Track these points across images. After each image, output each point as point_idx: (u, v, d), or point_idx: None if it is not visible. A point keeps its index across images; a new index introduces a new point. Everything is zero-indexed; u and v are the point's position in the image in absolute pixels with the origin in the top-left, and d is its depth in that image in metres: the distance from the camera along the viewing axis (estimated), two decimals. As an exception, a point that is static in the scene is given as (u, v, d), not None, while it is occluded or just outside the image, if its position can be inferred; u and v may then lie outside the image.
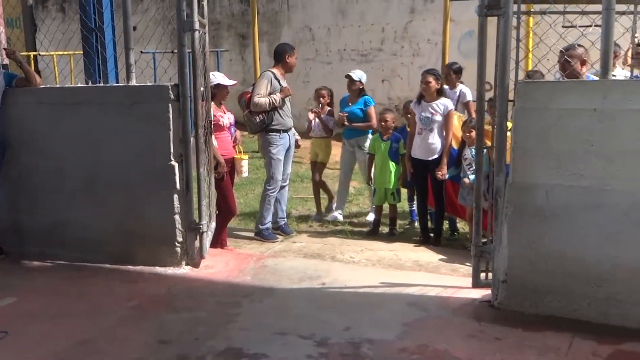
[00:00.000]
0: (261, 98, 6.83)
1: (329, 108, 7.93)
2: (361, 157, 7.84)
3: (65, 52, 12.75)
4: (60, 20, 16.92)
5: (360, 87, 7.80)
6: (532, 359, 3.72)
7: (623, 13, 4.42)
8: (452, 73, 8.04)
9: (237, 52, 16.61)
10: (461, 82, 8.06)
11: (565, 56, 4.66)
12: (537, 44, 4.40)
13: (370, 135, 7.78)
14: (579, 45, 4.83)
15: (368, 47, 15.01)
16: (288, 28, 15.84)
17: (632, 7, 4.56)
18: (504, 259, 4.34)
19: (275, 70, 7.05)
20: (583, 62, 4.99)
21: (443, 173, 6.77)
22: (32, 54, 15.35)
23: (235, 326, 4.29)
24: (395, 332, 4.13)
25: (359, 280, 5.17)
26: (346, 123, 7.67)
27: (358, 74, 7.77)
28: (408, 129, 7.46)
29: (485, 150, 4.79)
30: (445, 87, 7.65)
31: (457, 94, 7.94)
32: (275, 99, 6.86)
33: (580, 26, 4.43)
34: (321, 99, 7.88)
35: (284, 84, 7.02)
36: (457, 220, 7.41)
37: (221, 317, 4.45)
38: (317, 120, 7.90)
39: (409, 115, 7.30)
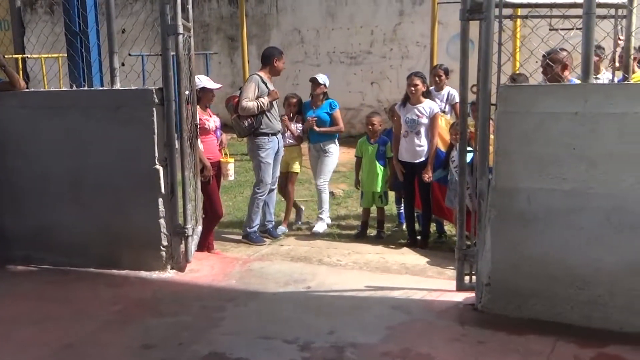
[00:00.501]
0: (249, 102, 6.83)
1: (297, 115, 7.71)
2: (324, 160, 7.63)
3: (53, 55, 12.71)
4: (49, 22, 16.87)
5: (324, 90, 7.65)
6: (514, 363, 3.74)
7: (604, 17, 4.45)
8: (444, 74, 8.05)
9: (226, 55, 16.62)
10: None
11: (547, 60, 4.68)
12: (519, 48, 4.41)
13: (336, 139, 7.73)
14: (562, 49, 4.85)
15: (357, 50, 15.07)
16: (277, 31, 15.86)
17: (612, 11, 4.58)
18: (487, 263, 4.36)
19: (262, 74, 7.04)
20: (565, 66, 5.02)
21: (429, 176, 6.78)
22: (20, 56, 15.29)
23: (219, 331, 4.28)
24: (379, 335, 4.13)
25: (344, 283, 5.18)
26: (315, 128, 7.50)
27: (322, 78, 7.64)
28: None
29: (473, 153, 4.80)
30: (431, 88, 7.68)
31: (446, 95, 7.95)
32: (263, 103, 6.85)
33: (562, 29, 4.45)
34: (292, 107, 7.65)
35: (272, 87, 7.02)
36: (445, 223, 7.42)
37: (205, 321, 4.44)
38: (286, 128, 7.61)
39: (395, 119, 7.32)
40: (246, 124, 6.91)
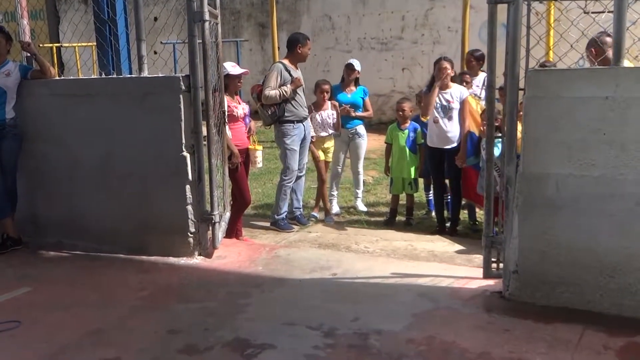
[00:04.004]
0: (271, 91, 6.81)
1: (330, 102, 7.58)
2: (360, 144, 7.85)
3: (88, 44, 12.86)
4: (83, 11, 17.05)
5: (357, 75, 7.86)
6: (541, 351, 3.67)
7: (637, -1, 4.33)
8: (474, 60, 7.91)
9: (257, 42, 16.62)
10: (482, 71, 7.93)
11: (599, 42, 4.55)
12: (547, 32, 4.32)
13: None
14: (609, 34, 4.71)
15: (388, 35, 14.95)
16: (307, 17, 15.81)
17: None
18: (514, 250, 4.29)
19: (285, 61, 7.02)
20: None
21: (463, 161, 6.68)
22: (55, 45, 15.51)
23: (244, 317, 4.31)
24: (403, 323, 4.10)
25: (370, 270, 5.16)
26: (353, 114, 7.61)
27: (357, 64, 7.83)
28: (422, 119, 7.39)
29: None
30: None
31: (482, 80, 7.81)
32: (285, 91, 6.82)
33: (593, 12, 4.34)
34: (325, 94, 7.49)
35: (296, 74, 6.96)
36: (478, 209, 7.32)
37: (231, 307, 4.46)
38: (322, 116, 7.48)
39: (422, 104, 7.25)
40: (269, 113, 6.91)
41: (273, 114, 6.89)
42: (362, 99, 7.80)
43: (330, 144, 7.62)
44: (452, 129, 6.75)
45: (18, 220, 5.91)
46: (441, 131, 6.80)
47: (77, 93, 5.66)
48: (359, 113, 7.74)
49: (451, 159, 6.78)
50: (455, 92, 6.74)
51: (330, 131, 7.52)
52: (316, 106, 7.50)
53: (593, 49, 4.94)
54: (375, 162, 10.40)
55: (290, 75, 6.90)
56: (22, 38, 6.40)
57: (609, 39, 4.78)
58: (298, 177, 7.25)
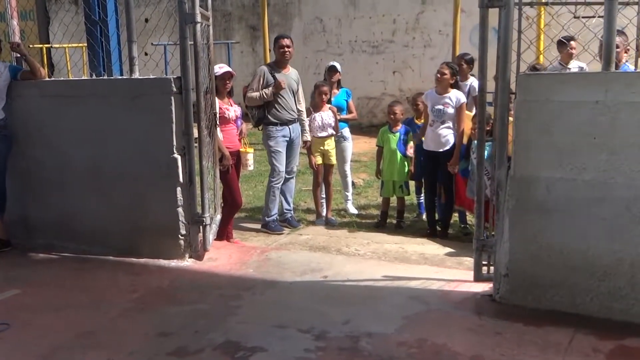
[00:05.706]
0: (253, 93, 6.88)
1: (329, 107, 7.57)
2: (345, 146, 7.88)
3: (78, 45, 12.80)
4: (74, 12, 16.98)
5: (339, 77, 7.88)
6: (532, 354, 3.68)
7: (627, 3, 4.35)
8: (465, 64, 7.88)
9: (248, 44, 16.60)
10: (472, 75, 7.93)
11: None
12: (538, 36, 4.34)
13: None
14: (621, 32, 4.72)
15: (379, 39, 14.97)
16: (299, 19, 15.82)
17: (636, -2, 4.49)
18: (505, 253, 4.31)
19: (273, 63, 7.10)
20: (625, 50, 4.89)
21: (456, 166, 6.69)
22: (45, 46, 15.44)
23: (235, 319, 4.30)
24: (395, 325, 4.11)
25: (361, 273, 5.16)
26: (338, 116, 7.59)
27: (338, 65, 7.89)
28: (416, 121, 7.42)
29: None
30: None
31: (467, 87, 7.81)
32: (266, 93, 6.86)
33: (583, 17, 4.36)
34: (324, 95, 7.43)
35: (283, 77, 6.97)
36: (468, 213, 7.33)
37: (222, 310, 4.46)
38: (322, 116, 7.41)
39: (415, 107, 7.26)
40: (251, 114, 6.97)
41: (253, 116, 6.97)
42: (346, 101, 7.83)
43: (331, 146, 7.52)
44: (446, 133, 6.76)
45: (8, 222, 5.88)
46: (435, 135, 6.82)
47: (67, 94, 5.64)
48: (343, 116, 7.73)
49: (445, 163, 6.79)
50: (452, 97, 6.74)
51: (331, 131, 7.46)
52: (315, 108, 7.47)
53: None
54: (366, 164, 10.40)
55: (274, 77, 6.91)
56: (11, 39, 6.36)
57: (619, 39, 4.77)
58: (288, 180, 7.25)
